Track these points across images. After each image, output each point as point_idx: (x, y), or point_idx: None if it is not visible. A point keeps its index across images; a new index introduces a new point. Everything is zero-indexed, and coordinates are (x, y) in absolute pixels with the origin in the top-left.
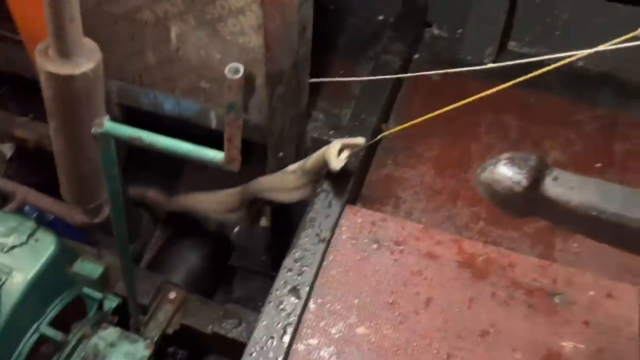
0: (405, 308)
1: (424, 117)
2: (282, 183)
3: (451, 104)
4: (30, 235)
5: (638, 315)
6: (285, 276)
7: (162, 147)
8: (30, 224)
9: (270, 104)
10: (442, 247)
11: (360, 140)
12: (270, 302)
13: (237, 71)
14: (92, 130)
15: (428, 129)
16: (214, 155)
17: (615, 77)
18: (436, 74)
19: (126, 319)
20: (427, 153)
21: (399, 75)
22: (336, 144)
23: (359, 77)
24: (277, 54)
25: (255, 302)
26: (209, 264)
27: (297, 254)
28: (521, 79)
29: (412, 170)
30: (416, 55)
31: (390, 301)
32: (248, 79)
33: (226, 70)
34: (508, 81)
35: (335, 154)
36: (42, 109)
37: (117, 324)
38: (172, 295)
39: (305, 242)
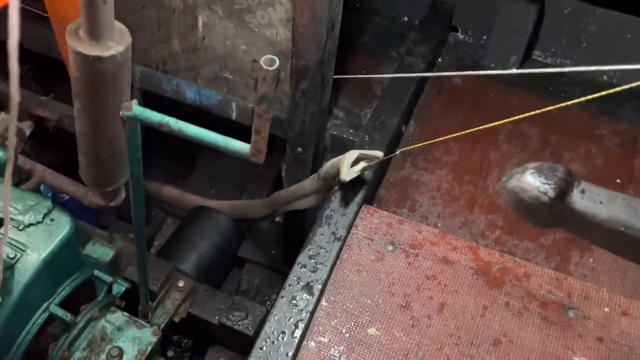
0: (417, 312)
1: (450, 136)
2: (301, 191)
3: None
4: (46, 215)
5: None
6: (299, 272)
7: (190, 135)
8: (46, 204)
9: (293, 99)
10: (458, 253)
11: (378, 154)
12: (283, 297)
13: (272, 62)
14: (120, 114)
15: (447, 134)
16: (239, 146)
17: (639, 93)
18: (467, 74)
19: (133, 303)
20: (445, 158)
21: (424, 75)
22: (352, 154)
23: (380, 77)
24: (304, 49)
25: (262, 296)
26: (219, 254)
27: (311, 250)
28: (582, 99)
29: (430, 175)
30: (439, 60)
31: (403, 304)
32: None
33: (262, 61)
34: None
35: (349, 164)
36: (62, 89)
37: (124, 309)
38: (181, 283)
39: (321, 240)
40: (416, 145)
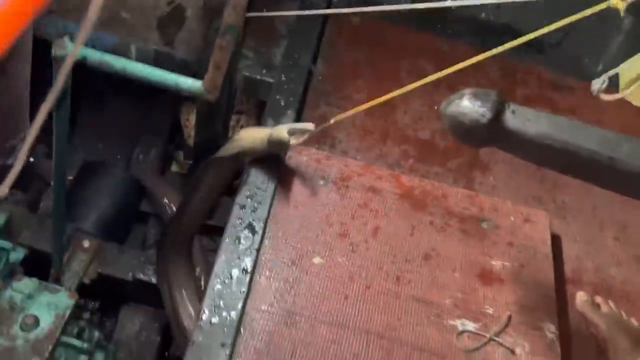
0: (355, 238)
1: (373, 102)
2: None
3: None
4: None
5: (549, 236)
6: (239, 213)
7: (134, 74)
8: None
9: (205, 38)
10: (383, 181)
11: (309, 126)
12: (227, 238)
13: None
14: (52, 52)
15: (354, 72)
16: (191, 83)
17: (513, 29)
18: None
19: (33, 271)
20: (356, 95)
21: (332, 11)
22: (282, 129)
23: (283, 16)
24: None
25: None
26: (120, 210)
27: (248, 191)
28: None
29: (344, 112)
30: None
31: (341, 232)
32: (177, 9)
33: None
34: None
35: (286, 135)
36: None
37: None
38: (85, 244)
39: (255, 180)
40: (349, 113)
